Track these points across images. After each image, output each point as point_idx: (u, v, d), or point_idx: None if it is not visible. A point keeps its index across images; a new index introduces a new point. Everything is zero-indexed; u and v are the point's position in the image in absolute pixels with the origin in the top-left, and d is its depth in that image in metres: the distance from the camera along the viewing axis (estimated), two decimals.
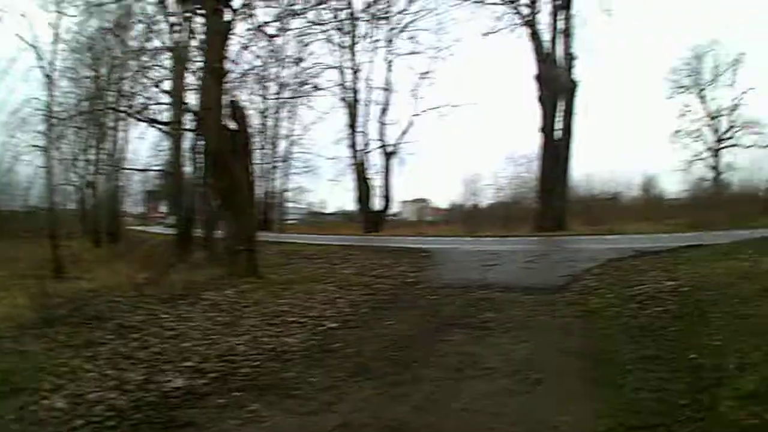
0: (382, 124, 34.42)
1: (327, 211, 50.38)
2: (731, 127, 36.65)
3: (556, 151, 26.01)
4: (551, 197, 25.77)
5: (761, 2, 33.37)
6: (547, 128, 26.39)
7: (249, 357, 5.47)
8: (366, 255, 15.01)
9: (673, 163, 43.55)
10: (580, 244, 15.83)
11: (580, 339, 6.09)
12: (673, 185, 45.44)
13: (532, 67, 27.28)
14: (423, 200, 50.61)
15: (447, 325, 6.87)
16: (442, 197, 71.11)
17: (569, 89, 26.05)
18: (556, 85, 25.98)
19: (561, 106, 26.14)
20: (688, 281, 7.83)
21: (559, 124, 26.15)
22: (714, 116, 36.83)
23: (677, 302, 6.92)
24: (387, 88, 34.05)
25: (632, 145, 62.48)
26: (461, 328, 6.65)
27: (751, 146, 35.44)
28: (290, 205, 48.03)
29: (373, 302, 8.57)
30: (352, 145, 34.33)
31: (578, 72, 26.43)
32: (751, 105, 45.79)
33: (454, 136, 74.15)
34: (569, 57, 26.13)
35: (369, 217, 33.40)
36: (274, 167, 40.70)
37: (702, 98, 36.73)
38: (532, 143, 29.42)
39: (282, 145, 40.55)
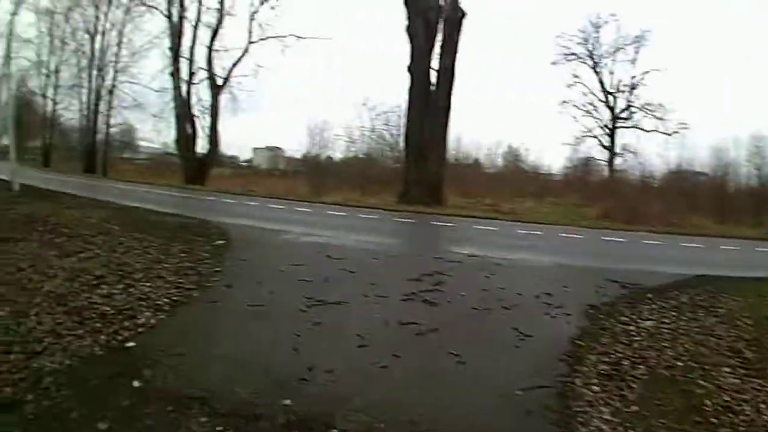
0: (211, 50, 31.39)
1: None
2: (629, 106, 35.95)
3: (428, 99, 22.47)
4: (424, 159, 22.16)
5: None
6: (417, 68, 22.72)
7: None
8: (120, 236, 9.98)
9: (554, 136, 39.95)
10: (506, 236, 12.01)
11: None
12: (547, 159, 42.61)
13: None
14: (276, 148, 49.60)
15: None
16: (297, 145, 54.27)
17: (454, 20, 22.44)
18: (433, 12, 22.52)
19: (440, 41, 22.64)
20: None
21: (436, 64, 22.65)
22: (609, 92, 36.15)
23: None
24: (220, 8, 30.94)
25: (503, 107, 58.02)
26: None
27: (653, 131, 34.79)
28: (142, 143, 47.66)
29: None
30: (174, 74, 31.55)
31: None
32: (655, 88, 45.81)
33: (306, 75, 57.49)
34: None
35: (190, 164, 30.79)
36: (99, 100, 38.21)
37: (596, 70, 36.08)
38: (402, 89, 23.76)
39: (109, 74, 37.70)
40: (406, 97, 23.33)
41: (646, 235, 16.35)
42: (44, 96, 42.83)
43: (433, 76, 22.79)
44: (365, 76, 66.41)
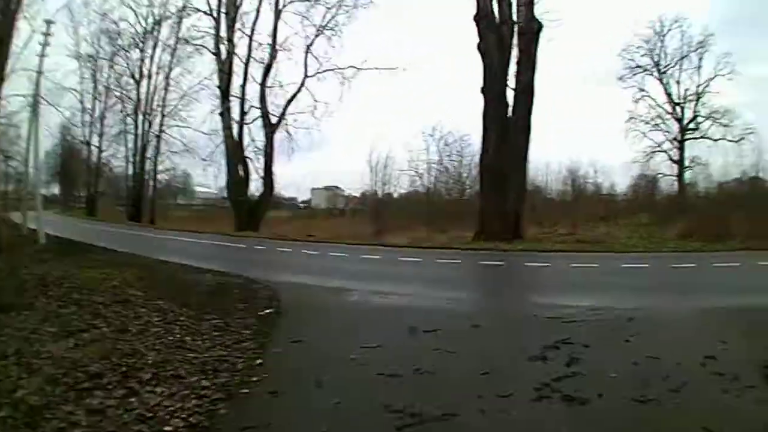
0: (264, 87, 30.70)
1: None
2: (696, 116, 35.68)
3: (505, 122, 21.25)
4: (502, 189, 20.79)
5: None
6: (492, 88, 21.51)
7: None
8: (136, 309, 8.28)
9: (624, 154, 41.78)
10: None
11: None
12: (612, 179, 41.27)
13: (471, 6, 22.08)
14: (335, 188, 50.55)
15: None
16: (356, 183, 54.98)
17: (530, 32, 21.34)
18: (507, 26, 21.62)
19: (515, 57, 21.73)
20: None
21: (513, 83, 21.65)
22: (677, 103, 36.22)
23: None
24: (273, 43, 30.79)
25: (569, 129, 58.08)
26: None
27: (720, 139, 34.37)
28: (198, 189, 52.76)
29: None
30: (224, 114, 30.37)
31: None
32: (722, 93, 43.35)
33: (369, 109, 54.68)
34: None
35: (242, 209, 29.72)
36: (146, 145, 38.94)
37: (662, 81, 36.02)
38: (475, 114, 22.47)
39: (157, 119, 38.31)
40: (481, 121, 21.76)
41: None
42: (89, 144, 44.58)
43: (510, 97, 21.44)
44: (435, 106, 68.17)
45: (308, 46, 30.84)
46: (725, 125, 33.84)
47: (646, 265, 13.63)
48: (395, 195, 37.78)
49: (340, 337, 6.88)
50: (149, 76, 38.82)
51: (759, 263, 13.50)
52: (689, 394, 4.75)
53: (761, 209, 22.24)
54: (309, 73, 30.97)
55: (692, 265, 13.54)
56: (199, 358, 6.02)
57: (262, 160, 31.22)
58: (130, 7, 37.32)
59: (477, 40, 21.66)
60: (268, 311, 8.33)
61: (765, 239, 18.13)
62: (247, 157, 31.28)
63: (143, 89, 39.00)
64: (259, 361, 5.95)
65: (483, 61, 21.47)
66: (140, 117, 39.28)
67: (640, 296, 9.28)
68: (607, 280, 11.80)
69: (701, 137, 34.81)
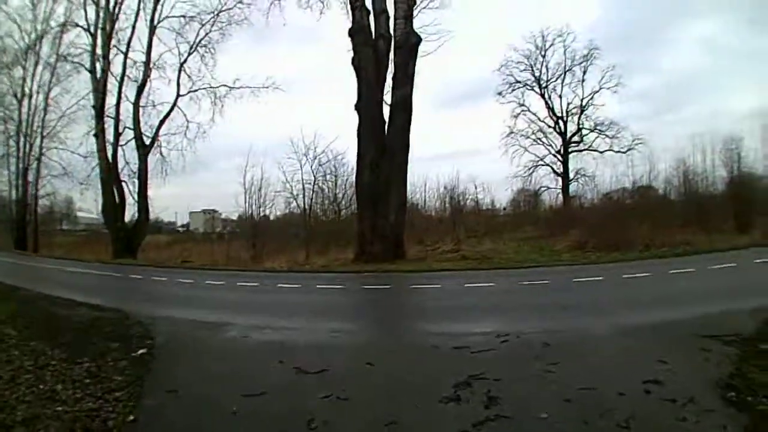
0: (137, 106, 29.90)
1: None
2: (579, 129, 36.41)
3: (382, 139, 20.46)
4: (381, 209, 20.04)
5: None
6: (367, 103, 20.69)
7: None
8: None
9: (506, 169, 38.53)
10: None
11: None
12: (493, 194, 42.14)
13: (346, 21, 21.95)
14: (212, 211, 51.21)
15: None
16: (233, 206, 45.50)
17: (408, 46, 20.96)
18: (383, 40, 21.24)
19: (392, 71, 21.30)
20: None
21: (389, 98, 21.24)
22: (559, 117, 36.86)
23: None
24: (147, 60, 30.06)
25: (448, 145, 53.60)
26: None
27: (607, 151, 34.99)
28: (80, 214, 49.58)
29: None
30: (98, 135, 29.74)
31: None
32: (608, 105, 44.20)
33: (245, 130, 48.21)
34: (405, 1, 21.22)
35: (118, 235, 29.24)
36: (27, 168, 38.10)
37: (544, 96, 36.96)
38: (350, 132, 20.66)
39: (37, 140, 37.27)
40: (356, 139, 20.99)
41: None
42: None
43: (386, 113, 20.90)
44: (309, 125, 67.58)
45: (182, 64, 29.93)
46: (611, 137, 35.15)
47: (547, 281, 13.03)
48: (271, 217, 36.96)
49: (220, 384, 5.93)
50: (30, 96, 36.70)
51: (669, 272, 13.43)
52: (642, 427, 4.19)
53: (655, 217, 23.42)
54: (182, 92, 30.10)
55: (599, 278, 13.01)
56: (69, 413, 5.28)
57: (137, 183, 29.95)
58: (16, 22, 35.29)
59: (352, 54, 21.15)
60: (141, 352, 7.54)
61: (663, 246, 18.98)
62: (122, 180, 30.05)
63: (24, 109, 36.87)
64: (131, 417, 5.17)
65: (357, 76, 20.94)
66: (22, 139, 37.14)
67: (551, 316, 8.60)
68: (507, 299, 11.14)
69: (586, 149, 36.07)
